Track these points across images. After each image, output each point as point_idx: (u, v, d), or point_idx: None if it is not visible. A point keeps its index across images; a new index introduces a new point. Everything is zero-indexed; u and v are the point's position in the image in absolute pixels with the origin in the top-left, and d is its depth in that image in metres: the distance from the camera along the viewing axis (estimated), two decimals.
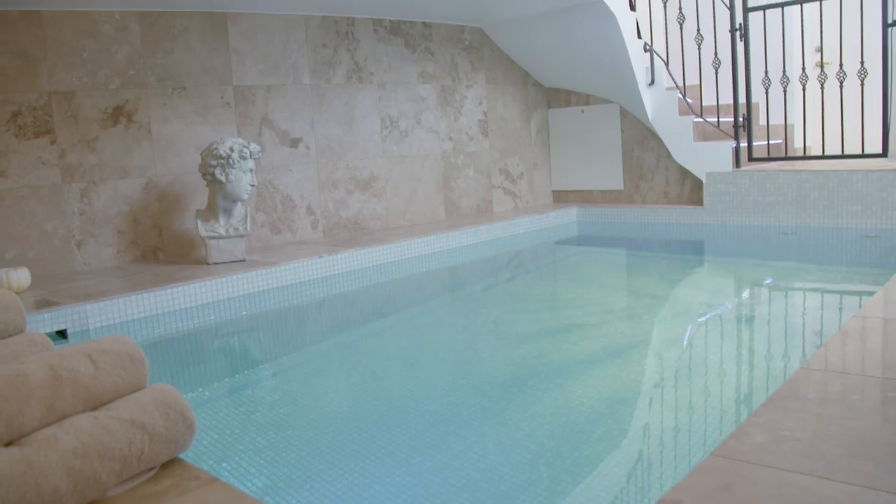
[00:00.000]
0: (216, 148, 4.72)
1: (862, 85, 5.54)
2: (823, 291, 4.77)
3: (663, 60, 6.62)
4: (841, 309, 4.06)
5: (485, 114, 7.04)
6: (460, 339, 4.16)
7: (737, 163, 6.14)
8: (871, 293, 2.99)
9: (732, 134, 6.19)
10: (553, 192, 7.67)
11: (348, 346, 4.01)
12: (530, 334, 3.98)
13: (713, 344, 3.77)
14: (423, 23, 6.50)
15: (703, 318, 4.25)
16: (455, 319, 4.66)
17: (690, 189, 6.61)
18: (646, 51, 6.51)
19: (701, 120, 6.45)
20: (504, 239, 6.33)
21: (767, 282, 5.10)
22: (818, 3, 5.90)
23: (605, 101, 7.13)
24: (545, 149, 7.61)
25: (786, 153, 6.50)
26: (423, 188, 6.58)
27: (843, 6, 5.58)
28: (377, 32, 6.19)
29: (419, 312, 4.73)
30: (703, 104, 6.65)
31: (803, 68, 6.16)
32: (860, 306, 2.86)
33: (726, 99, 6.37)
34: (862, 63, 5.54)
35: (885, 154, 5.55)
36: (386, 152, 6.29)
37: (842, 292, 4.59)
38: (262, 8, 5.48)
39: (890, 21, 5.37)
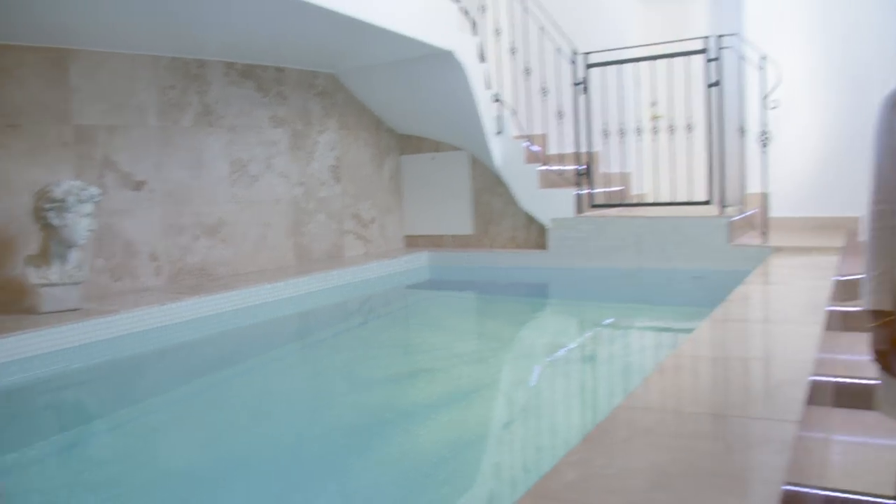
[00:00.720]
0: (51, 190, 4.48)
1: (690, 138, 5.98)
2: (655, 330, 5.06)
3: (511, 110, 6.90)
4: (666, 347, 4.32)
5: (337, 159, 7.06)
6: (309, 387, 4.12)
7: (579, 209, 6.44)
8: (691, 331, 3.20)
9: (575, 181, 6.50)
10: (405, 236, 7.76)
11: (191, 398, 3.88)
12: (379, 380, 3.99)
13: (553, 385, 3.91)
14: (276, 67, 6.49)
15: (545, 360, 4.40)
16: (304, 366, 4.61)
17: (536, 234, 6.86)
18: (494, 101, 6.76)
19: (546, 168, 6.74)
20: (355, 284, 6.33)
21: (607, 322, 5.36)
22: (651, 62, 6.37)
23: (456, 149, 7.33)
24: (397, 194, 7.71)
25: (624, 200, 6.89)
26: (272, 233, 6.49)
27: (673, 66, 6.03)
28: (228, 75, 6.12)
29: (267, 360, 4.64)
30: (549, 153, 6.96)
31: (640, 121, 6.59)
32: (678, 345, 3.06)
33: (570, 148, 6.69)
34: (689, 118, 5.99)
35: (709, 202, 5.98)
36: (235, 197, 6.18)
37: (670, 330, 4.89)
38: (106, 46, 5.30)
39: (711, 81, 5.83)
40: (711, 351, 2.95)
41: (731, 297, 3.89)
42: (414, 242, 7.71)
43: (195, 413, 3.65)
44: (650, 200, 6.90)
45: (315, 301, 5.84)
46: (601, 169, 7.13)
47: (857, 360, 3.41)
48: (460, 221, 7.32)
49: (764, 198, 5.84)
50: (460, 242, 7.36)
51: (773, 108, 5.60)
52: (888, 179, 2.00)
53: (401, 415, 3.34)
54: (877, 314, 1.99)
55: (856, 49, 6.26)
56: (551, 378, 4.04)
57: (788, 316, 3.52)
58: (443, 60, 6.21)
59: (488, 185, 7.15)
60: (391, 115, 7.45)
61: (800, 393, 2.22)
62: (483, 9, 6.84)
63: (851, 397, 3.56)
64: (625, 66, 6.56)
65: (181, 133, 5.81)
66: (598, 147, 6.76)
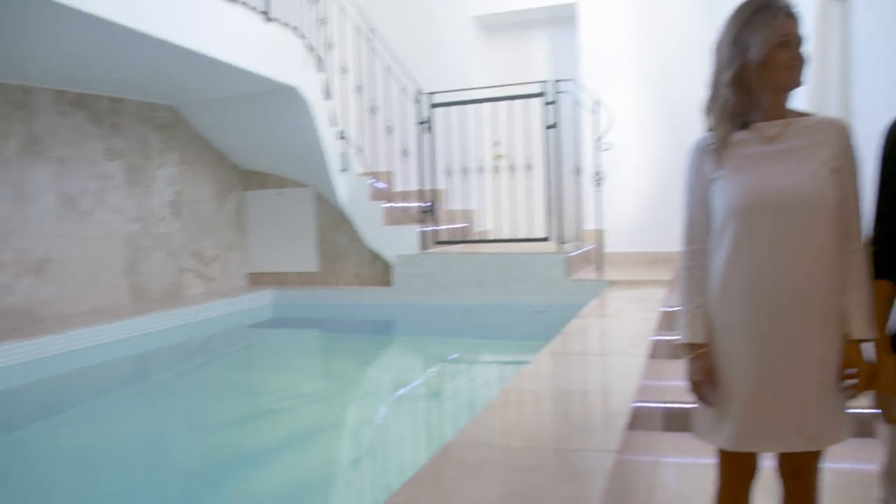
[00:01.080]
0: None
1: (529, 177, 6.22)
2: (498, 364, 5.17)
3: (356, 148, 6.92)
4: (507, 381, 4.42)
5: (177, 194, 6.81)
6: (143, 434, 3.90)
7: (423, 245, 6.52)
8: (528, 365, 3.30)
9: (419, 219, 6.58)
10: (248, 274, 7.57)
11: (7, 451, 3.58)
12: (219, 424, 3.84)
13: (399, 422, 3.90)
14: (112, 98, 6.20)
15: (391, 398, 4.39)
16: (139, 412, 4.37)
17: (381, 271, 6.88)
18: (340, 138, 6.76)
19: (391, 205, 6.80)
20: (196, 324, 6.09)
21: (451, 357, 5.42)
22: (493, 104, 6.59)
23: (301, 185, 7.26)
24: (241, 231, 7.53)
25: (467, 237, 7.05)
26: (105, 271, 6.15)
27: (513, 108, 6.27)
28: (57, 104, 5.78)
29: (98, 406, 4.36)
30: (394, 190, 7.02)
31: (483, 160, 6.79)
32: (511, 379, 3.14)
33: (415, 186, 6.78)
34: (529, 158, 6.23)
35: (548, 238, 6.22)
36: (64, 232, 5.82)
37: (512, 363, 5.01)
38: None
39: (549, 123, 6.10)
40: (542, 384, 3.04)
41: (566, 331, 4.05)
42: (258, 280, 7.54)
43: (12, 467, 3.37)
44: (492, 237, 7.09)
45: (152, 342, 5.57)
46: (446, 206, 7.26)
47: (683, 385, 3.62)
48: (305, 258, 7.23)
49: (599, 234, 6.14)
50: (305, 280, 7.27)
51: (606, 149, 5.93)
52: (698, 221, 2.16)
53: (242, 459, 3.22)
54: (691, 347, 2.13)
55: (680, 95, 6.73)
56: (397, 415, 4.03)
57: (618, 348, 3.69)
58: (287, 96, 6.15)
59: (333, 221, 7.11)
60: (235, 150, 7.29)
61: (621, 423, 2.33)
62: (329, 46, 6.86)
63: (680, 421, 3.76)
64: (468, 106, 6.75)
65: (2, 164, 5.42)
66: (442, 185, 6.89)
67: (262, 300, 6.97)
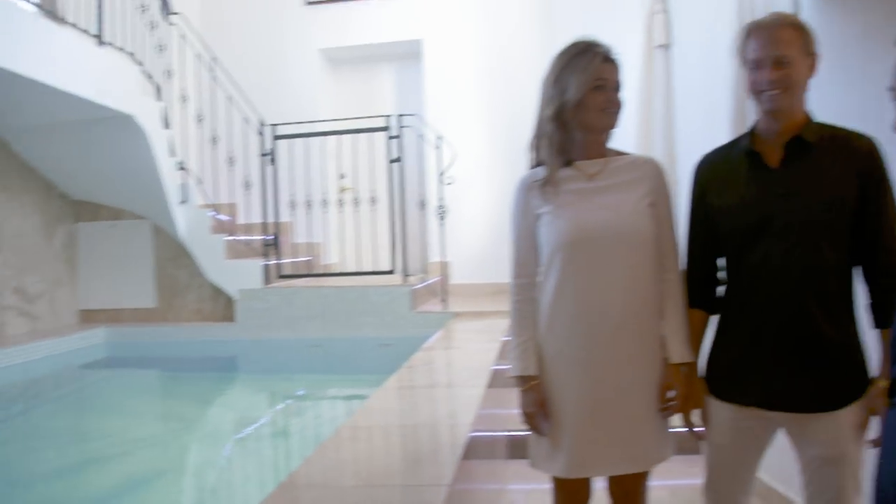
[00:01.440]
0: None
1: (374, 210, 6.24)
2: (344, 399, 5.11)
3: (197, 179, 6.71)
4: (352, 415, 4.39)
5: None
6: None
7: (267, 279, 6.39)
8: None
9: (263, 252, 6.45)
10: (80, 311, 7.12)
11: None
12: (42, 475, 3.57)
13: (241, 463, 3.78)
14: None
15: (233, 438, 4.25)
16: None
17: (224, 306, 6.67)
18: (179, 169, 6.53)
19: (233, 238, 6.62)
20: (18, 366, 5.63)
21: (296, 394, 5.32)
22: (338, 137, 6.58)
23: (138, 217, 6.94)
24: (71, 265, 7.08)
25: (312, 270, 6.97)
26: None
27: (359, 141, 6.29)
28: None
29: None
30: (237, 223, 6.86)
31: (329, 193, 6.74)
32: (349, 415, 3.12)
33: (259, 218, 6.64)
34: (373, 191, 6.26)
35: (393, 271, 6.26)
36: None
37: (357, 398, 4.97)
38: None
39: (393, 157, 6.16)
40: (380, 419, 3.03)
41: (408, 364, 4.07)
42: (90, 317, 7.10)
43: None
44: (338, 270, 7.04)
45: None
46: (290, 239, 7.16)
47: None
48: (142, 294, 6.90)
49: (444, 266, 6.24)
50: (142, 316, 6.92)
51: (449, 183, 6.06)
52: (525, 255, 2.24)
53: None
54: (523, 379, 2.20)
55: (521, 131, 6.96)
56: (241, 456, 3.90)
57: (459, 379, 3.75)
58: (123, 124, 5.88)
59: (172, 255, 6.84)
60: (65, 180, 6.87)
61: (456, 455, 2.36)
62: (169, 74, 6.64)
63: (524, 449, 3.86)
64: (313, 138, 6.71)
65: None
66: (286, 217, 6.80)
67: (94, 339, 6.57)
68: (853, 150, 1.94)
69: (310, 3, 8.05)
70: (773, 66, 1.93)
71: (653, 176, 2.19)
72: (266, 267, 6.40)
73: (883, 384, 1.81)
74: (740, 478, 2.14)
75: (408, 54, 8.02)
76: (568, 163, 2.20)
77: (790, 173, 1.96)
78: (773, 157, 2.00)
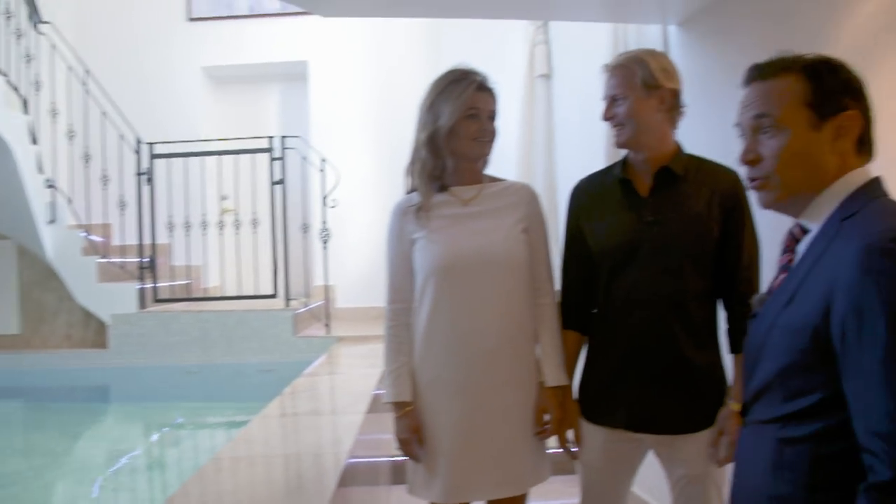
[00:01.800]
0: None
1: (255, 233, 6.10)
2: (224, 427, 4.95)
3: (67, 198, 6.38)
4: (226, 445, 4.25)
5: None
6: None
7: (142, 304, 6.13)
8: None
9: (139, 275, 6.19)
10: None
11: None
12: None
13: (114, 499, 3.60)
14: None
15: (106, 472, 4.04)
16: None
17: (95, 331, 6.33)
18: (48, 187, 6.19)
19: (106, 260, 6.33)
20: None
21: (173, 423, 5.12)
22: (219, 157, 6.42)
23: (2, 238, 6.54)
24: None
25: (191, 294, 6.73)
26: None
27: (241, 162, 6.15)
28: None
29: None
30: (112, 244, 6.56)
31: (210, 214, 6.54)
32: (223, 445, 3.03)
33: (135, 240, 6.36)
34: (255, 214, 6.13)
35: (275, 295, 6.12)
36: None
37: (237, 426, 4.82)
38: None
39: (276, 179, 6.05)
40: (256, 449, 2.94)
41: (289, 391, 3.99)
42: None
43: None
44: (218, 294, 6.83)
45: None
46: (168, 262, 6.90)
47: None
48: (4, 319, 6.47)
49: (327, 290, 6.15)
50: (5, 343, 6.48)
51: (333, 206, 6.00)
52: (401, 281, 2.24)
53: None
54: (397, 405, 2.19)
55: (403, 156, 6.98)
56: (113, 491, 3.71)
57: (339, 405, 3.70)
58: None
59: (39, 278, 6.46)
60: None
61: (332, 483, 2.32)
62: (38, 86, 6.30)
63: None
64: (193, 158, 6.50)
65: None
66: (164, 239, 6.55)
67: None
68: (718, 182, 2.04)
69: (193, 20, 7.83)
70: (608, 105, 2.07)
71: (527, 202, 2.23)
72: (141, 290, 6.14)
73: (735, 407, 1.89)
74: (613, 497, 2.18)
75: (293, 75, 7.92)
76: (443, 188, 2.22)
77: (658, 202, 2.04)
78: (644, 185, 2.08)
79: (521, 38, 5.37)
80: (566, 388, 2.19)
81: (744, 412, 1.40)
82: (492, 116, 2.19)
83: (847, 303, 1.13)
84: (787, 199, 1.32)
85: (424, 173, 2.20)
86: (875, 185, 1.29)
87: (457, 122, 2.13)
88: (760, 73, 1.35)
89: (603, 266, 2.10)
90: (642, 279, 2.01)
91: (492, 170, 2.33)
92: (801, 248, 1.33)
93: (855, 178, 1.29)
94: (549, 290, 2.22)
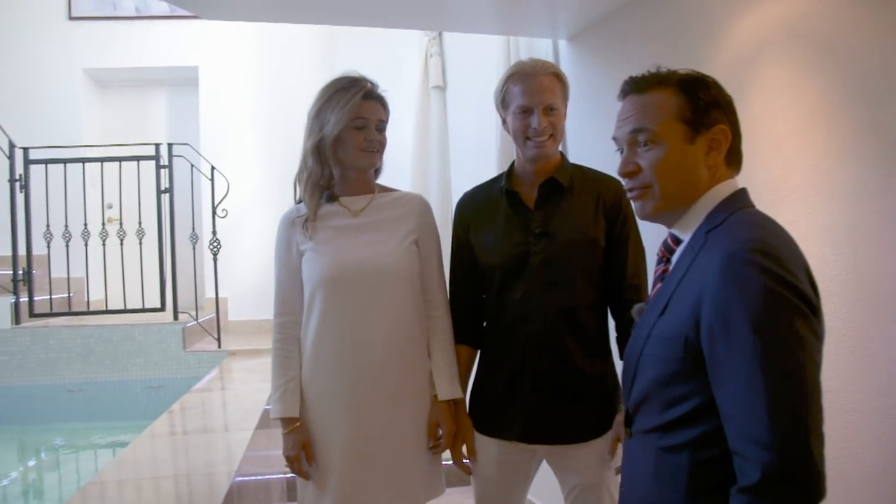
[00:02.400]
0: None
1: (141, 243, 5.84)
2: (107, 447, 4.72)
3: None
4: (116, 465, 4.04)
5: None
6: None
7: (16, 319, 5.76)
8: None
9: (12, 288, 5.83)
10: None
11: None
12: None
13: None
14: None
15: None
16: None
17: None
18: None
19: None
20: None
21: (55, 445, 4.84)
22: (102, 164, 6.10)
23: None
24: None
25: (71, 308, 6.38)
26: None
27: (122, 170, 5.87)
28: None
29: None
30: None
31: (93, 224, 6.21)
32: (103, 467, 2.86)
33: (6, 251, 5.99)
34: (140, 223, 5.86)
35: (163, 308, 5.88)
36: None
37: (122, 445, 4.60)
38: None
39: (163, 188, 5.82)
40: (138, 471, 2.79)
41: (175, 407, 3.83)
42: None
43: None
44: (102, 308, 6.50)
45: None
46: (51, 274, 6.53)
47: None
48: None
49: (218, 303, 5.95)
50: None
51: (223, 216, 5.82)
52: (289, 293, 2.17)
53: None
54: (285, 421, 2.11)
55: (296, 165, 6.84)
56: None
57: (228, 422, 3.58)
58: None
59: None
60: None
61: (218, 501, 2.22)
62: None
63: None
64: (76, 165, 6.16)
65: None
66: (42, 250, 6.18)
67: None
68: (603, 191, 2.05)
69: (74, 18, 7.44)
70: (542, 114, 1.98)
71: (418, 213, 2.19)
72: (15, 304, 5.77)
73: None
74: None
75: (183, 80, 7.65)
76: (333, 198, 2.16)
77: (545, 213, 2.04)
78: (530, 197, 2.07)
79: (416, 49, 5.36)
80: (459, 402, 2.17)
81: (627, 423, 1.40)
82: (380, 126, 2.13)
83: (713, 311, 1.16)
84: (665, 210, 1.34)
85: (311, 183, 2.14)
86: (740, 196, 1.34)
87: (343, 131, 2.08)
88: (636, 87, 1.36)
89: (493, 279, 2.09)
90: (532, 291, 2.01)
91: (387, 181, 2.29)
92: (675, 258, 1.36)
93: (722, 190, 1.33)
94: (440, 302, 2.19)
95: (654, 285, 1.41)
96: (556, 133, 2.02)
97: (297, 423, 2.11)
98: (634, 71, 1.42)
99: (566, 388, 2.00)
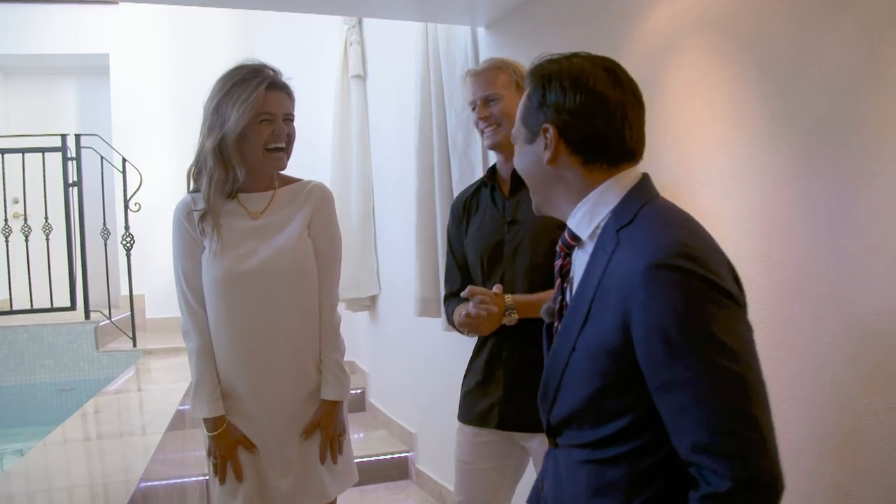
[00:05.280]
0: None
1: (48, 240, 5.57)
2: (10, 455, 4.49)
3: None
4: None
5: None
6: None
7: None
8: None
9: None
10: None
11: None
12: None
13: None
14: None
15: None
16: None
17: None
18: None
19: None
20: None
21: None
22: (1, 156, 5.78)
23: None
24: None
25: None
26: None
27: (26, 163, 5.58)
28: None
29: None
30: None
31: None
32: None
33: None
34: (47, 218, 5.58)
35: (73, 307, 5.62)
36: None
37: (24, 453, 4.38)
38: None
39: (70, 181, 5.56)
40: (31, 483, 2.60)
41: (81, 412, 3.65)
42: None
43: None
44: (7, 308, 6.16)
45: None
46: None
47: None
48: None
49: (133, 300, 5.72)
50: None
51: (137, 210, 5.59)
52: (195, 288, 2.07)
53: None
54: (215, 421, 2.04)
55: None
56: None
57: (134, 426, 3.44)
58: None
59: None
60: None
61: None
62: None
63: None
64: None
65: None
66: None
67: None
68: None
69: None
70: (482, 105, 2.13)
71: (318, 204, 2.12)
72: None
73: None
74: (487, 500, 2.21)
75: (93, 69, 7.33)
76: (233, 195, 2.05)
77: (515, 202, 2.14)
78: (507, 187, 2.19)
79: (337, 37, 5.26)
80: (338, 404, 2.16)
81: (550, 433, 1.35)
82: (288, 118, 2.01)
83: (646, 324, 1.11)
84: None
85: (214, 187, 2.01)
86: (644, 186, 1.28)
87: (247, 128, 1.95)
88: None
89: (478, 267, 2.19)
90: (508, 279, 2.09)
91: (309, 170, 2.24)
92: (578, 257, 1.30)
93: (622, 182, 1.27)
94: (330, 299, 2.14)
95: (557, 281, 1.36)
96: (501, 121, 2.10)
97: (226, 422, 2.04)
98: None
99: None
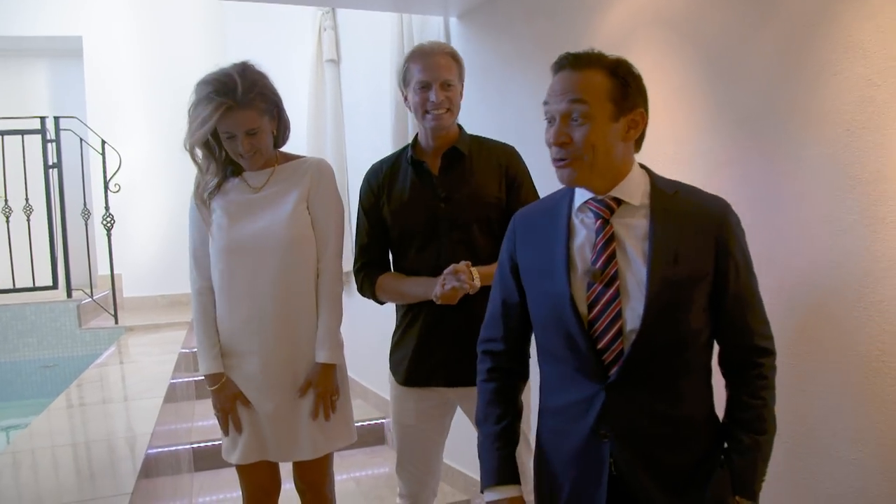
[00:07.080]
0: None
1: (29, 220, 5.68)
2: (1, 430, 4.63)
3: None
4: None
5: None
6: None
7: None
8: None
9: None
10: None
11: None
12: None
13: None
14: None
15: None
16: None
17: None
18: None
19: None
20: None
21: None
22: None
23: None
24: None
25: None
26: None
27: (5, 145, 5.68)
28: None
29: None
30: None
31: None
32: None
33: None
34: (27, 200, 5.70)
35: (55, 286, 5.76)
36: None
37: (17, 427, 4.52)
38: None
39: (50, 163, 5.67)
40: (47, 440, 2.81)
41: (77, 382, 3.83)
42: None
43: None
44: None
45: None
46: None
47: (210, 424, 3.67)
48: None
49: (114, 279, 5.86)
50: None
51: (116, 191, 5.72)
52: (201, 259, 2.29)
53: None
54: (214, 377, 2.24)
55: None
56: None
57: (132, 393, 3.60)
58: None
59: None
60: None
61: (135, 468, 2.31)
62: None
63: (210, 459, 3.82)
64: None
65: None
66: None
67: None
68: (498, 156, 2.29)
69: None
70: (439, 89, 2.18)
71: (311, 175, 2.29)
72: None
73: None
74: (427, 457, 2.37)
75: (66, 51, 7.40)
76: (237, 173, 2.26)
77: (449, 179, 2.24)
78: (435, 165, 2.26)
79: (310, 22, 5.38)
80: (332, 366, 2.30)
81: (603, 377, 1.49)
82: (253, 131, 2.15)
83: (740, 256, 1.50)
84: (588, 178, 1.51)
85: (208, 171, 2.25)
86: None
87: (214, 137, 2.18)
88: (571, 64, 1.50)
89: (405, 242, 2.27)
90: (443, 251, 2.20)
91: (285, 150, 2.37)
92: (622, 221, 1.51)
93: (637, 165, 1.56)
94: (329, 268, 2.30)
95: (601, 243, 1.50)
96: (452, 107, 2.22)
97: (224, 378, 2.24)
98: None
99: (474, 332, 2.14)
